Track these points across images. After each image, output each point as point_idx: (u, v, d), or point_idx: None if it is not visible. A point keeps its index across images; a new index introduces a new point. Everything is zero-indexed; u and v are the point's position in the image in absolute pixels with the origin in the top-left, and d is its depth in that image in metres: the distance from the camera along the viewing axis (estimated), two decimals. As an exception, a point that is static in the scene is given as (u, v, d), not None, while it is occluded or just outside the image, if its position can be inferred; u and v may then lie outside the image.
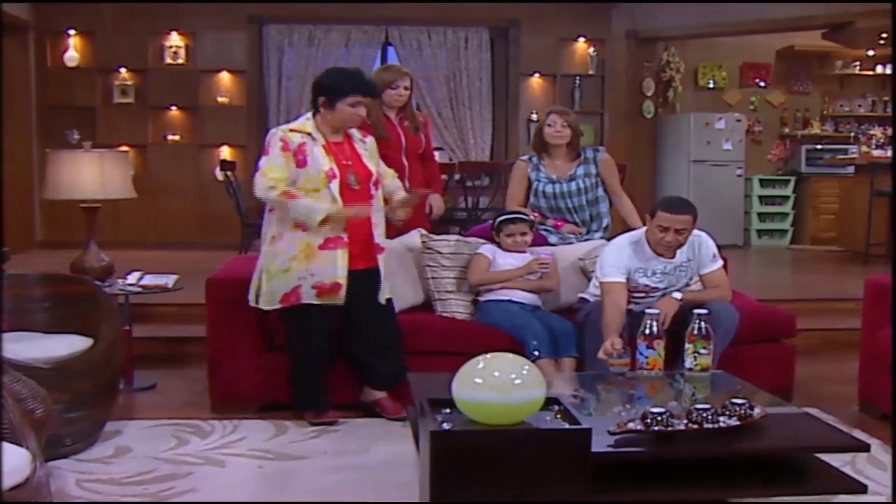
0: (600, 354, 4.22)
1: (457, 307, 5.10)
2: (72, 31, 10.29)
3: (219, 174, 8.62)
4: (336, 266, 4.41)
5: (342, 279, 4.42)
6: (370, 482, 3.70)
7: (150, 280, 5.19)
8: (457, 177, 8.28)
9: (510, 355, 3.09)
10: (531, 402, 2.96)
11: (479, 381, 2.94)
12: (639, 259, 4.69)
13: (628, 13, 10.75)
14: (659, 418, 3.03)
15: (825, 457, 3.23)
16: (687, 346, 4.07)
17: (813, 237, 11.08)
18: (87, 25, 10.31)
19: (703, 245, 4.79)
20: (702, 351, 4.06)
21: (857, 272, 8.05)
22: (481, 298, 5.10)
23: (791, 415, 3.47)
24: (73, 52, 10.31)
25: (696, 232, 4.71)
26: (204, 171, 10.47)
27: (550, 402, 3.22)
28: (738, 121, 10.94)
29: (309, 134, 4.48)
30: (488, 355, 3.12)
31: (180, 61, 10.48)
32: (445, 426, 2.95)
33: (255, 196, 4.51)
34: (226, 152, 10.54)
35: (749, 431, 3.12)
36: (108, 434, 4.21)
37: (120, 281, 5.17)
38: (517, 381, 2.94)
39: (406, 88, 5.66)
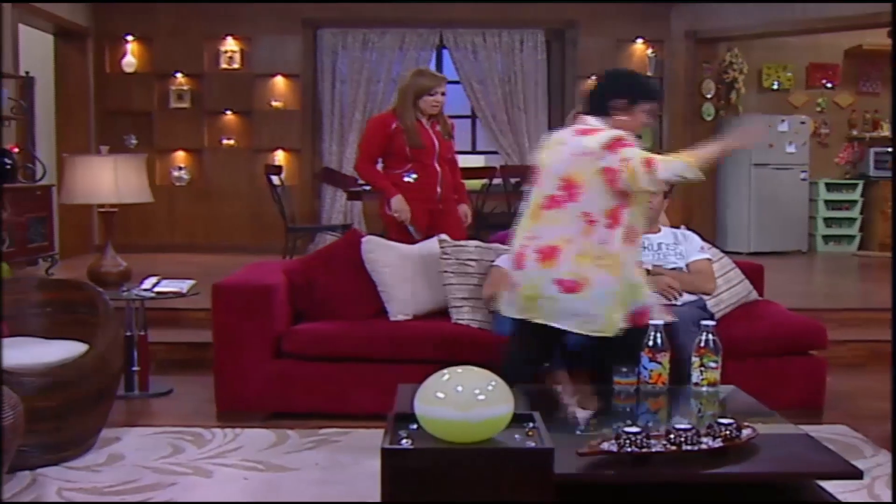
0: None
1: (472, 314, 4.96)
2: (129, 37, 10.43)
3: (275, 179, 8.63)
4: None
5: None
6: (351, 496, 3.59)
7: (165, 285, 5.17)
8: (498, 181, 8.13)
9: (477, 369, 2.95)
10: (494, 420, 2.81)
11: (440, 395, 2.81)
12: None
13: (688, 13, 10.48)
14: (634, 439, 2.86)
15: (830, 483, 3.04)
16: (693, 359, 3.86)
17: (881, 243, 10.64)
18: (145, 31, 10.44)
19: (689, 236, 4.92)
20: (710, 364, 3.86)
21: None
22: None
23: (787, 436, 3.25)
24: (131, 57, 10.44)
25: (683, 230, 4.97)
26: (258, 175, 10.46)
27: (524, 418, 3.08)
28: (803, 123, 10.58)
29: None
30: (459, 368, 2.99)
31: (236, 66, 10.54)
32: (404, 443, 2.83)
33: (656, 182, 3.82)
34: (280, 156, 10.56)
35: (733, 455, 2.93)
36: (105, 441, 4.18)
37: (126, 286, 5.16)
38: (480, 397, 2.80)
39: (443, 94, 5.57)
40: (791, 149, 10.49)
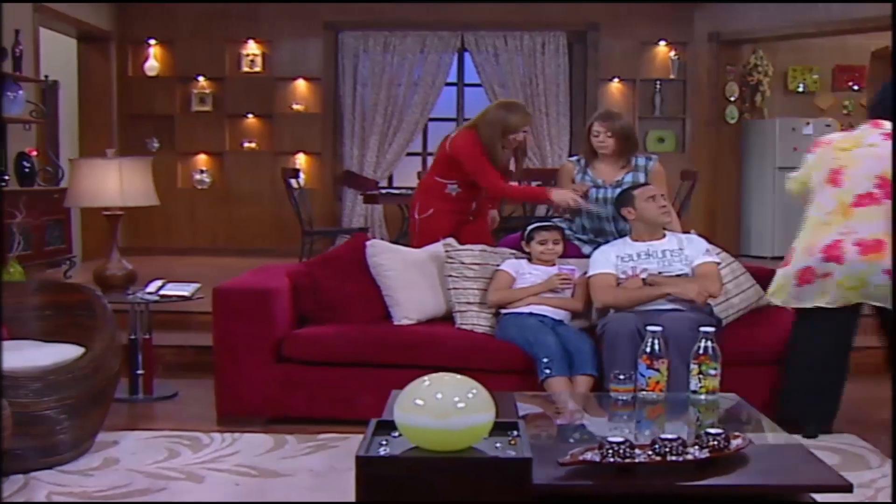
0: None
1: (477, 320, 4.92)
2: (152, 41, 10.49)
3: (295, 181, 8.65)
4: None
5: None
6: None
7: (170, 289, 5.16)
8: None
9: (459, 376, 2.91)
10: (473, 428, 2.77)
11: (419, 402, 2.77)
12: (621, 247, 4.86)
13: (711, 14, 10.36)
14: (617, 449, 2.80)
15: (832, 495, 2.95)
16: (692, 366, 3.80)
17: (908, 247, 10.46)
18: (167, 35, 10.49)
19: (694, 240, 4.92)
20: (710, 372, 3.79)
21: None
22: (502, 311, 4.91)
23: (781, 446, 3.19)
24: (153, 61, 10.50)
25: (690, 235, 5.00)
26: (279, 178, 10.39)
27: (509, 427, 3.03)
28: (828, 125, 10.40)
29: None
30: (442, 375, 2.95)
31: (257, 69, 10.57)
32: (381, 451, 2.79)
33: None
34: (301, 160, 10.57)
35: (721, 466, 2.87)
36: (102, 444, 4.18)
37: (132, 289, 5.16)
38: (460, 405, 2.76)
39: (525, 132, 5.49)
40: (816, 152, 10.32)
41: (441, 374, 2.94)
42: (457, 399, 2.77)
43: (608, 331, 4.49)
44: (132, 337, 5.11)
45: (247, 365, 4.62)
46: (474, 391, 2.83)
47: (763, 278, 5.26)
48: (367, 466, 2.64)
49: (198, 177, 10.64)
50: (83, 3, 9.53)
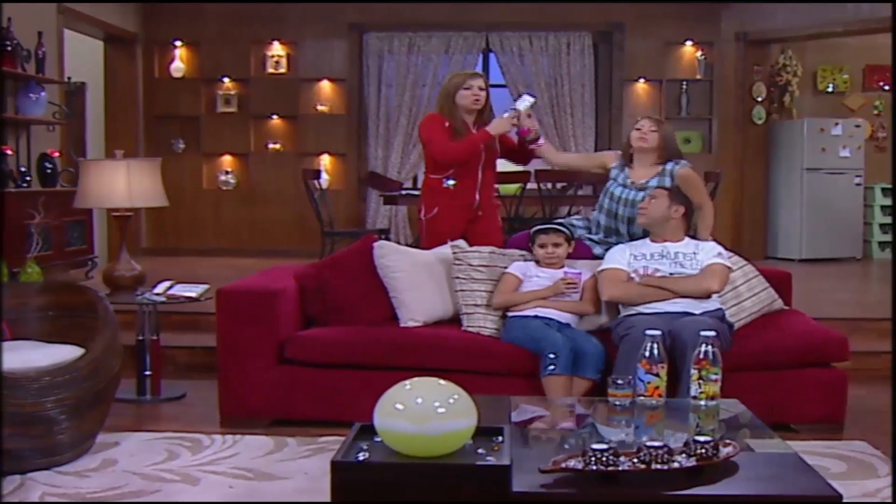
0: None
1: (483, 322, 4.87)
2: (178, 43, 10.54)
3: (317, 182, 8.66)
4: None
5: None
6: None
7: (178, 290, 5.17)
8: (532, 185, 8.02)
9: (442, 381, 2.88)
10: (452, 434, 2.74)
11: (399, 406, 2.75)
12: (638, 246, 4.86)
13: (738, 14, 10.25)
14: (600, 456, 2.76)
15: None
16: (692, 370, 3.74)
17: (940, 249, 10.30)
18: (193, 37, 10.54)
19: (708, 245, 4.86)
20: (710, 377, 3.72)
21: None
22: (508, 314, 4.87)
23: (773, 455, 3.11)
24: (179, 62, 10.56)
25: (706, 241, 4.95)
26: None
27: (494, 432, 3.00)
28: (857, 126, 10.28)
29: None
30: (429, 379, 2.93)
31: (282, 70, 10.60)
32: (360, 456, 2.77)
33: None
34: (325, 160, 10.58)
35: (707, 474, 2.81)
36: (102, 445, 4.18)
37: (140, 290, 5.17)
38: (440, 410, 2.74)
39: (481, 89, 5.41)
40: (845, 153, 10.20)
41: (424, 378, 2.91)
42: (437, 404, 2.75)
43: (631, 334, 4.38)
44: (140, 338, 5.12)
45: (250, 366, 4.61)
46: (456, 396, 2.80)
47: (779, 281, 5.20)
48: (341, 472, 2.63)
49: (223, 178, 10.68)
50: (110, 2, 9.60)
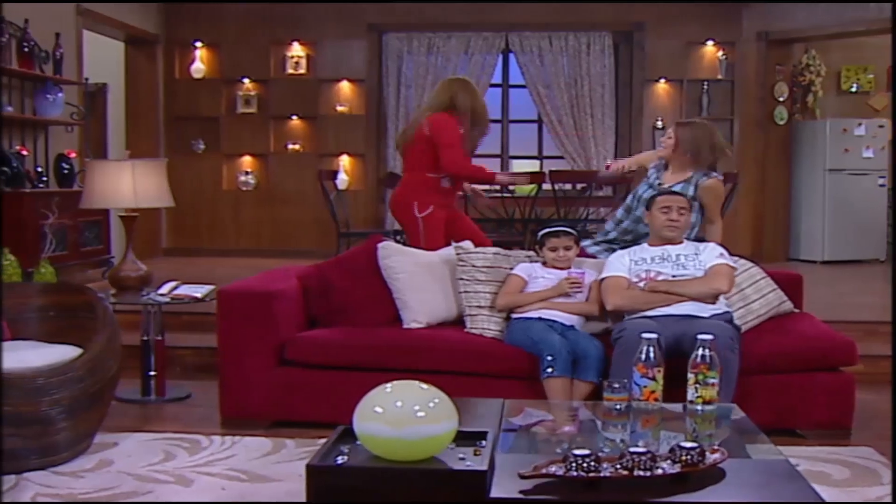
0: None
1: (487, 324, 4.83)
2: (198, 44, 10.58)
3: (332, 182, 8.67)
4: None
5: None
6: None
7: (183, 290, 5.17)
8: (546, 186, 7.97)
9: (424, 385, 2.85)
10: (431, 438, 2.72)
11: (378, 409, 2.73)
12: (637, 251, 4.80)
13: (759, 13, 10.14)
14: (581, 462, 2.72)
15: None
16: (689, 375, 3.68)
17: (965, 252, 10.14)
18: (213, 38, 10.58)
19: (709, 246, 4.81)
20: (708, 381, 3.67)
21: None
22: (512, 316, 4.83)
23: (762, 462, 3.06)
24: (200, 63, 10.59)
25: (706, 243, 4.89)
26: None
27: (478, 436, 2.97)
28: (881, 126, 10.13)
29: None
30: (411, 382, 2.90)
31: (301, 71, 10.61)
32: (339, 459, 2.75)
33: None
34: (345, 161, 10.58)
35: (692, 481, 2.76)
36: (100, 445, 4.18)
37: (146, 291, 5.18)
38: (419, 414, 2.71)
39: None
40: (868, 153, 10.06)
41: (406, 381, 2.89)
42: (417, 408, 2.72)
43: (624, 336, 4.35)
44: (144, 338, 5.13)
45: (250, 367, 4.60)
46: (437, 400, 2.78)
47: (790, 284, 5.12)
48: (317, 475, 2.60)
49: (242, 178, 10.71)
50: (130, 2, 9.65)
